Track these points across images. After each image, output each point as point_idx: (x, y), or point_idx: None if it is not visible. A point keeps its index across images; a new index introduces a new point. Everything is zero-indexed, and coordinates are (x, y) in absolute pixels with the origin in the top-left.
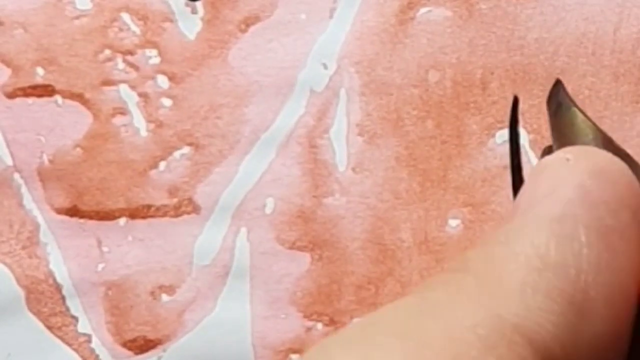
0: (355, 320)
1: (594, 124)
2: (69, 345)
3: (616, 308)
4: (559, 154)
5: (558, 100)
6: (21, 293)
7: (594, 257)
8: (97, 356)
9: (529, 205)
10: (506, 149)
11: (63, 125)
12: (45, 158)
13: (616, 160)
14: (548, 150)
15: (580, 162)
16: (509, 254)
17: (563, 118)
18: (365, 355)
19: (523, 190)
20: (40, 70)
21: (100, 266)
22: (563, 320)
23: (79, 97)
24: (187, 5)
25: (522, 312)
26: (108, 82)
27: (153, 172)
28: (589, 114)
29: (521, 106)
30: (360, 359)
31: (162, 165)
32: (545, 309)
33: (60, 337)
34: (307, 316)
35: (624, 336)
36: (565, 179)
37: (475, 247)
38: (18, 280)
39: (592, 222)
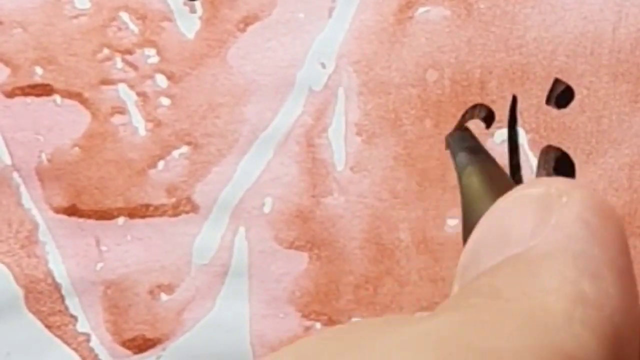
0: (354, 319)
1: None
2: (68, 344)
3: (638, 351)
4: (541, 188)
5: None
6: (20, 292)
7: (620, 297)
8: (96, 355)
9: (526, 237)
10: (505, 148)
11: (62, 124)
12: (44, 157)
13: (601, 196)
14: (547, 150)
15: (574, 198)
16: (545, 285)
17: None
18: None
19: (498, 220)
20: (39, 70)
21: (99, 265)
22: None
23: (77, 97)
24: (185, 4)
25: (575, 345)
26: (107, 82)
27: (152, 172)
28: (588, 113)
29: (520, 106)
30: None
31: (161, 164)
32: (592, 347)
33: (59, 336)
34: (306, 315)
35: None
36: (566, 215)
37: (493, 274)
38: (17, 280)
39: (608, 262)
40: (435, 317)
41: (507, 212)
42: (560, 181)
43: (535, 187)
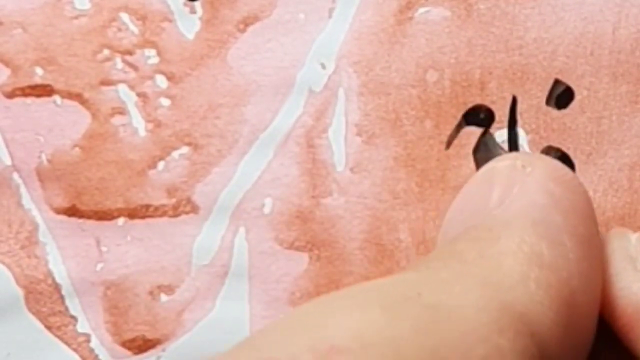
0: None
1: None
2: (68, 345)
3: (594, 314)
4: (507, 161)
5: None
6: (20, 293)
7: (578, 263)
8: (96, 356)
9: (490, 207)
10: (505, 149)
11: (62, 125)
12: (44, 158)
13: (566, 168)
14: (547, 150)
15: (538, 169)
16: (503, 248)
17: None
18: (353, 313)
19: (469, 193)
20: (39, 70)
21: (99, 266)
22: (559, 319)
23: (77, 97)
24: (186, 5)
25: (527, 303)
26: (107, 82)
27: (152, 172)
28: (588, 114)
29: (519, 106)
30: (346, 315)
31: (161, 165)
32: (545, 305)
33: (60, 337)
34: None
35: (590, 343)
36: (529, 184)
37: (456, 240)
38: (17, 280)
39: (570, 229)
40: (390, 277)
41: (476, 184)
42: (526, 154)
43: (503, 160)
